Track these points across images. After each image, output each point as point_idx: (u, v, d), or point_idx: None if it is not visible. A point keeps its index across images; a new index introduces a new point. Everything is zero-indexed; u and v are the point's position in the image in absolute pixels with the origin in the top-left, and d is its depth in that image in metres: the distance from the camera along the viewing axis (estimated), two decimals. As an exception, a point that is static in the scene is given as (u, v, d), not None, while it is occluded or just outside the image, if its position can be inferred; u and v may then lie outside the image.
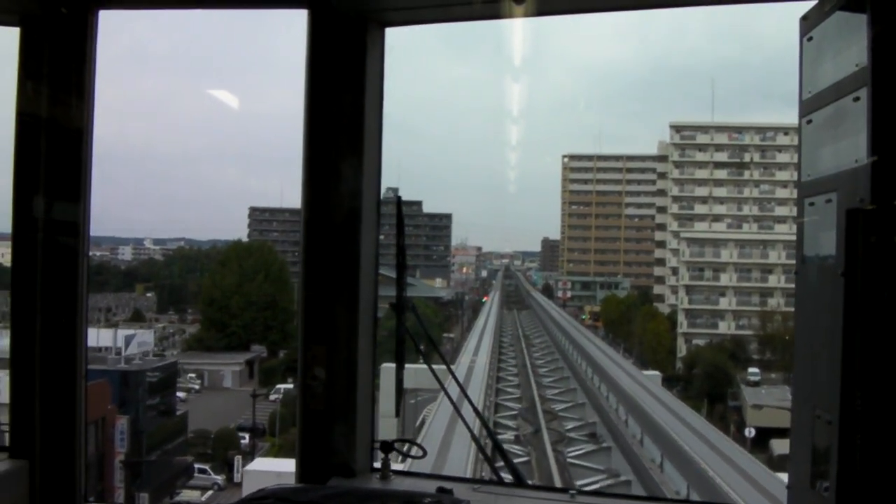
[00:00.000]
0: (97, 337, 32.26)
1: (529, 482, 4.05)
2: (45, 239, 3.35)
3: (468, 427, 3.61)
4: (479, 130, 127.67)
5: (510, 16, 3.20)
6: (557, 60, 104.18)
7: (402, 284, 3.28)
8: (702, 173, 72.38)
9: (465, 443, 19.28)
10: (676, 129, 73.66)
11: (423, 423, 27.06)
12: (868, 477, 2.13)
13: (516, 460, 14.50)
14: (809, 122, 2.58)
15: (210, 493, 33.02)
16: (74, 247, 3.38)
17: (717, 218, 70.73)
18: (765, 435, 37.41)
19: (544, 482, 20.19)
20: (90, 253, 3.57)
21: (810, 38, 2.55)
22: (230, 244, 58.18)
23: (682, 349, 61.42)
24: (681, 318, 63.99)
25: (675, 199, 72.54)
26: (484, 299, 79.33)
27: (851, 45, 2.28)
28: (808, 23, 2.54)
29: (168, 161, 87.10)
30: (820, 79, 2.49)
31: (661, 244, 75.17)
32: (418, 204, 75.01)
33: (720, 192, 71.65)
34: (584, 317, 74.02)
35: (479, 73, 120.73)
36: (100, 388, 24.68)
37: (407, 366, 3.41)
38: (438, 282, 74.66)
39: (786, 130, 65.25)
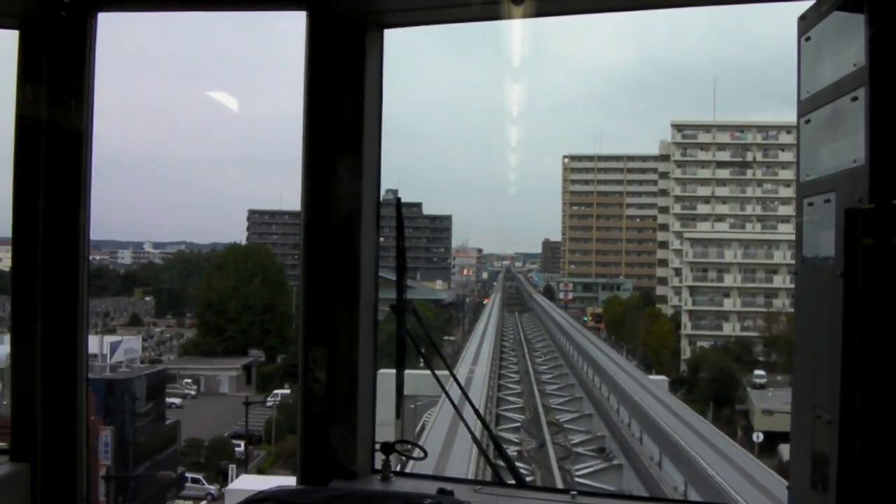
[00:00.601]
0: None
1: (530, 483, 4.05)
2: (45, 243, 3.36)
3: (469, 429, 3.61)
4: (480, 132, 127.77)
5: (509, 17, 3.20)
6: (557, 61, 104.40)
7: (402, 287, 3.28)
8: (704, 173, 71.97)
9: (466, 446, 19.13)
10: (678, 127, 73.17)
11: (423, 428, 26.30)
12: (868, 477, 2.13)
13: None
14: (808, 122, 2.58)
15: (203, 503, 32.33)
16: (75, 250, 3.39)
17: (720, 218, 70.30)
18: (772, 440, 36.67)
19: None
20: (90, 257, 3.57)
21: (808, 38, 2.55)
22: (227, 247, 57.88)
23: (685, 351, 60.98)
24: (684, 319, 63.49)
25: (678, 198, 72.12)
26: (485, 301, 79.34)
27: (849, 44, 2.28)
28: (806, 22, 2.54)
29: (168, 164, 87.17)
30: (818, 79, 2.50)
31: (664, 245, 74.91)
32: (418, 206, 75.02)
33: (723, 191, 71.26)
34: (585, 318, 73.80)
35: (479, 75, 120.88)
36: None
37: (406, 371, 3.40)
38: (439, 284, 74.63)
39: (788, 129, 64.72)
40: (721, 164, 71.57)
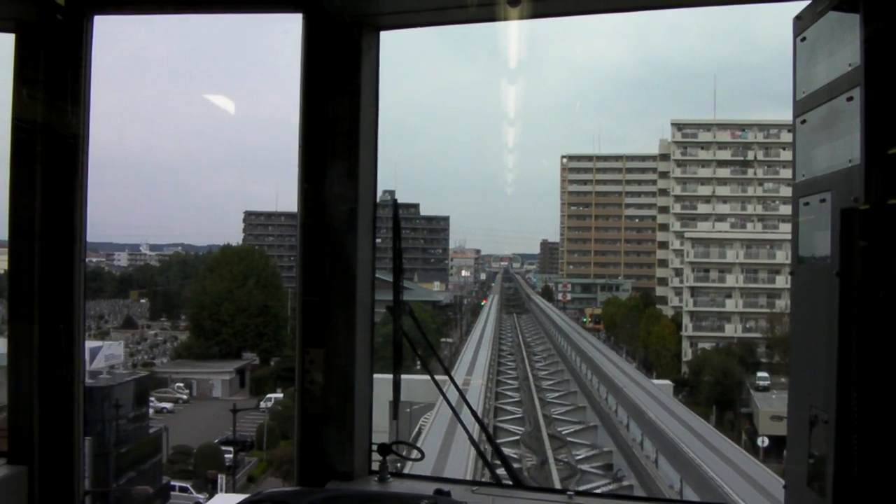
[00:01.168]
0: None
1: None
2: (41, 245, 3.35)
3: (466, 430, 3.61)
4: (477, 133, 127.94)
5: (505, 18, 3.20)
6: (553, 63, 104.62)
7: (398, 288, 3.28)
8: (704, 172, 71.58)
9: (462, 450, 18.93)
10: (678, 126, 72.76)
11: (419, 432, 25.52)
12: (864, 475, 2.13)
13: None
14: (804, 122, 2.58)
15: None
16: (71, 252, 3.38)
17: (720, 217, 69.82)
18: (779, 444, 35.84)
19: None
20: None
21: (804, 39, 2.55)
22: (220, 249, 57.21)
23: (687, 353, 60.35)
24: (686, 320, 62.90)
25: (678, 198, 71.68)
26: (483, 303, 79.24)
27: (845, 44, 2.28)
28: (802, 23, 2.54)
29: (165, 166, 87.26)
30: (814, 79, 2.50)
31: (664, 245, 74.65)
32: (415, 206, 75.00)
33: (723, 190, 70.84)
34: (584, 319, 73.62)
35: (476, 76, 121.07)
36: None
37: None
38: (436, 285, 74.55)
39: (790, 127, 64.20)
40: (722, 163, 71.09)
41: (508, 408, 33.71)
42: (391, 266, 3.28)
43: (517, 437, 28.39)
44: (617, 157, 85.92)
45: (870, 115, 2.16)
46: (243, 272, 51.33)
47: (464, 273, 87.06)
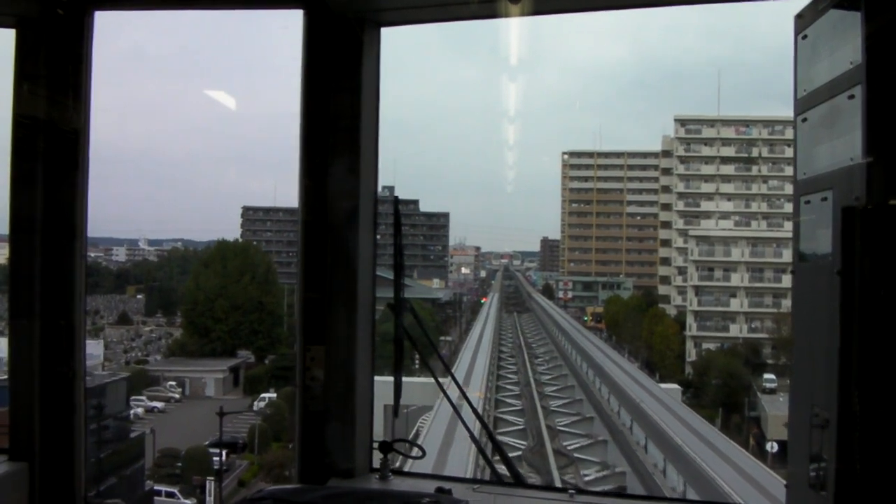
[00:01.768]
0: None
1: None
2: (42, 240, 3.36)
3: (467, 427, 3.61)
4: (477, 129, 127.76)
5: (506, 15, 3.20)
6: (555, 60, 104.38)
7: (399, 285, 3.27)
8: (708, 169, 70.28)
9: (463, 450, 18.80)
10: (681, 122, 71.29)
11: (417, 433, 24.71)
12: (865, 474, 2.13)
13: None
14: (805, 120, 2.57)
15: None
16: (72, 248, 3.39)
17: (724, 215, 68.41)
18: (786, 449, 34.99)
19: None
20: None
21: (805, 37, 2.54)
22: (215, 244, 55.39)
23: (691, 353, 58.97)
24: (690, 320, 61.32)
25: (681, 195, 70.42)
26: (483, 300, 79.06)
27: (846, 42, 2.27)
28: (803, 21, 2.54)
29: (165, 161, 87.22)
30: (815, 77, 2.49)
31: (666, 243, 73.95)
32: (415, 203, 74.81)
33: (727, 188, 69.50)
34: (585, 318, 73.18)
35: (477, 72, 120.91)
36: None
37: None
38: (436, 282, 74.35)
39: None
40: (726, 160, 69.94)
41: (509, 417, 31.90)
42: (391, 263, 3.28)
43: (518, 454, 26.23)
44: (618, 154, 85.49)
45: (871, 113, 2.15)
46: (238, 268, 50.06)
47: (464, 270, 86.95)
